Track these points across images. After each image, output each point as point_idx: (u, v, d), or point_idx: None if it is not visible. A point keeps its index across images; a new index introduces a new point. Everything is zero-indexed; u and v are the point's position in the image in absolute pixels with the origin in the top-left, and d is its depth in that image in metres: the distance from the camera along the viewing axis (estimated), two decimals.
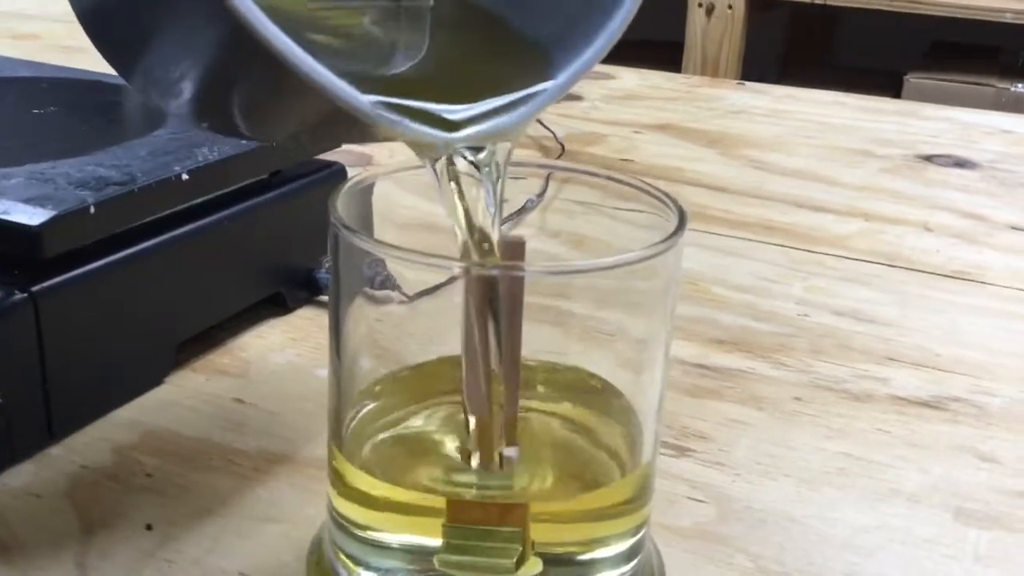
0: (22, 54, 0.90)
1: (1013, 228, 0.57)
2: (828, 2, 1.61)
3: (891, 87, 1.69)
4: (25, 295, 0.31)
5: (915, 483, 0.33)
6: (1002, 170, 0.67)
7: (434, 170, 0.22)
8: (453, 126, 0.20)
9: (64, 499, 0.31)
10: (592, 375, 0.27)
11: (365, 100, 0.20)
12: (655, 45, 1.91)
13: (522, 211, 0.30)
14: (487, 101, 0.21)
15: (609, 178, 0.28)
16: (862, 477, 0.34)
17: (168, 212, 0.36)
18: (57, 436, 0.33)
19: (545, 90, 0.22)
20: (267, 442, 0.34)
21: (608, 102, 0.81)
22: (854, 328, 0.44)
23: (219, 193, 0.39)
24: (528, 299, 0.24)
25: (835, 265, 0.51)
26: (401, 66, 0.24)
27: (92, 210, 0.33)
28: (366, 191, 0.27)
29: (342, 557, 0.27)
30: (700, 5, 1.66)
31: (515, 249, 0.24)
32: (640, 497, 0.26)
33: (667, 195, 0.26)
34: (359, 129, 0.22)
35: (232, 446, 0.33)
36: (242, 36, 0.19)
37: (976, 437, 0.36)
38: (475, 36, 0.25)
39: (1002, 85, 1.55)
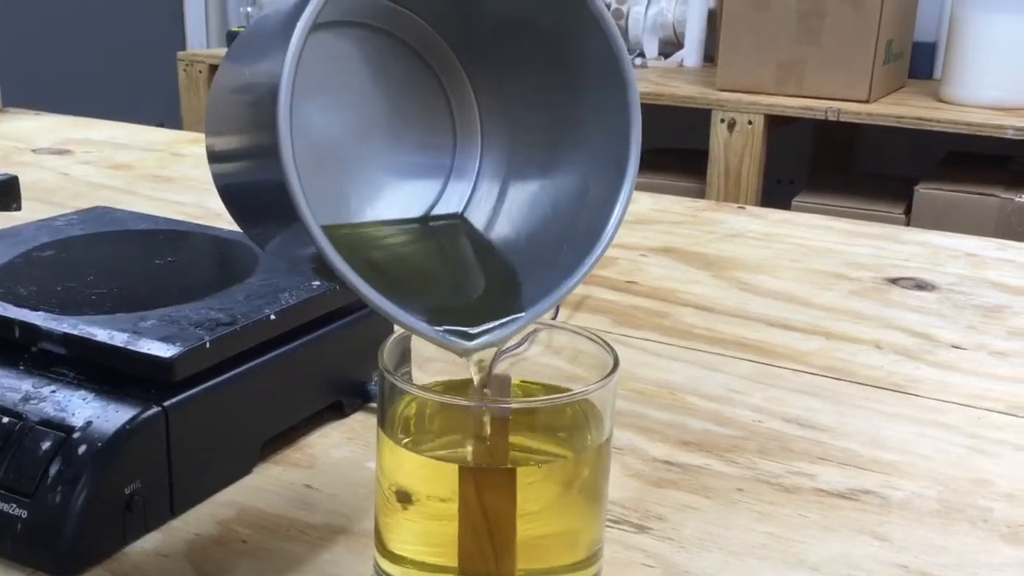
0: (121, 183, 1.05)
1: (953, 347, 0.67)
2: (842, 118, 1.73)
3: (906, 195, 1.80)
4: (159, 408, 0.43)
5: (818, 556, 0.44)
6: (958, 292, 0.78)
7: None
8: (471, 338, 0.33)
9: (183, 559, 0.42)
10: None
11: (430, 329, 0.33)
12: (685, 153, 2.05)
13: (519, 345, 0.42)
14: (488, 324, 0.34)
15: (575, 332, 0.39)
16: (778, 551, 0.44)
17: (260, 342, 0.49)
18: (177, 512, 0.45)
19: (518, 319, 0.34)
20: (330, 518, 0.45)
21: (622, 225, 0.93)
22: (797, 433, 0.55)
23: (297, 326, 0.51)
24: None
25: (792, 378, 0.62)
26: (440, 290, 0.37)
27: (208, 345, 0.45)
28: (406, 339, 0.39)
29: None
30: (722, 121, 1.80)
31: (503, 383, 0.36)
32: (588, 560, 0.37)
33: (610, 346, 0.37)
34: None
35: (304, 520, 0.45)
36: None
37: (875, 522, 0.46)
38: (480, 272, 0.38)
39: (1007, 196, 1.65)
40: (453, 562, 0.37)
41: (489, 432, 0.35)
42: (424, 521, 0.38)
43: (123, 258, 0.57)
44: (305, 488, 0.48)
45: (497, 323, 0.34)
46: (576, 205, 0.37)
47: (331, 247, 0.31)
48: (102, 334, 0.45)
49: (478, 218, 0.40)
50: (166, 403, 0.44)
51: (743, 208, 1.03)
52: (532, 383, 0.39)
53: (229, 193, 0.37)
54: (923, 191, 1.70)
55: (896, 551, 0.44)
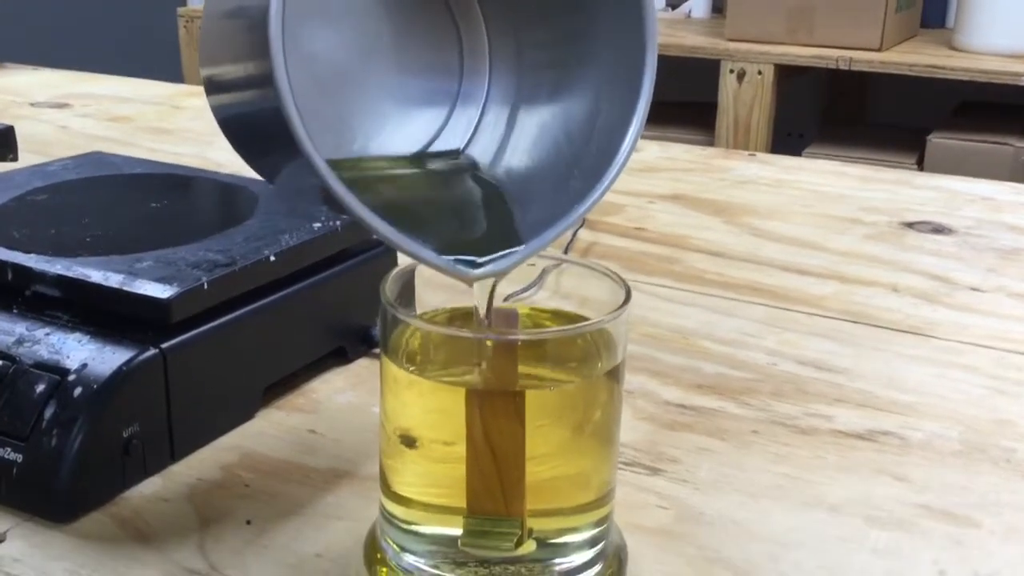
0: (119, 134, 1.03)
1: (973, 289, 0.66)
2: (854, 68, 1.70)
3: (918, 145, 1.77)
4: (157, 350, 0.42)
5: (837, 496, 0.42)
6: (976, 235, 0.76)
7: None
8: (478, 266, 0.32)
9: (185, 502, 0.41)
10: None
11: (437, 256, 0.31)
12: (693, 106, 2.02)
13: (528, 288, 0.40)
14: (491, 256, 0.33)
15: (585, 267, 0.38)
16: (795, 492, 0.43)
17: (259, 285, 0.47)
18: (177, 457, 0.44)
19: (516, 252, 0.33)
20: (335, 462, 0.44)
21: (629, 173, 0.91)
22: (812, 375, 0.53)
23: (298, 268, 0.49)
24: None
25: (806, 322, 0.60)
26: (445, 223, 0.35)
27: (205, 286, 0.44)
28: (409, 273, 0.37)
29: (391, 543, 0.37)
30: (732, 71, 1.77)
31: (510, 317, 0.35)
32: (599, 501, 0.36)
33: (621, 279, 0.36)
34: None
35: (308, 465, 0.44)
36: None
37: (895, 462, 0.45)
38: (488, 202, 0.37)
39: (1022, 144, 1.62)
40: (461, 503, 0.35)
41: (497, 359, 0.33)
42: (430, 463, 0.37)
43: (119, 202, 0.56)
44: (309, 433, 0.47)
45: (505, 251, 0.33)
46: (588, 128, 0.36)
47: (332, 175, 0.30)
48: (96, 275, 0.44)
49: (487, 145, 0.38)
50: (164, 345, 0.42)
51: (754, 155, 1.01)
52: (542, 311, 0.38)
53: (229, 125, 0.35)
54: (936, 141, 1.67)
55: (917, 491, 0.43)
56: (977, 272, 0.69)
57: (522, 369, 0.34)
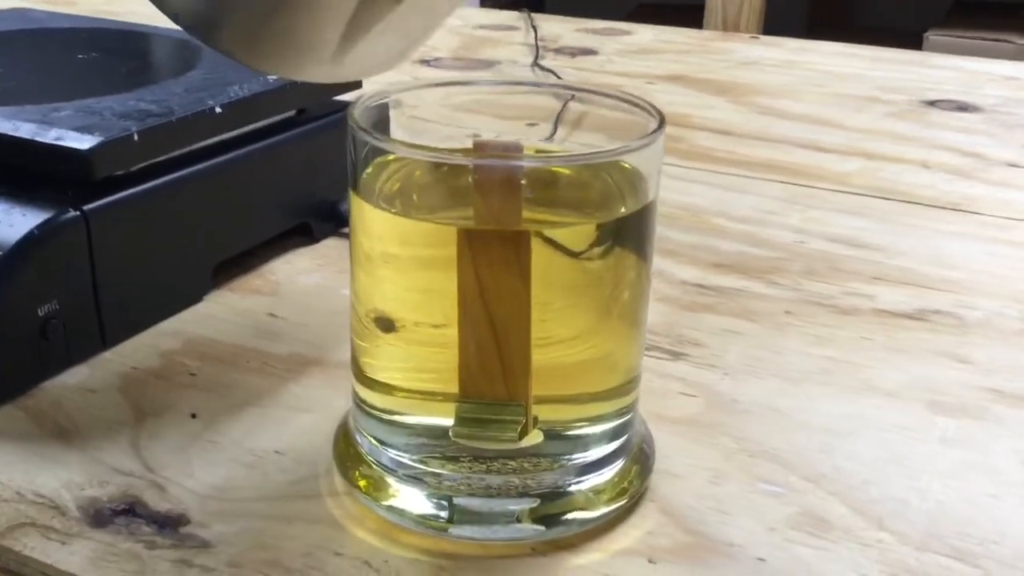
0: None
1: (1010, 165, 0.59)
2: None
3: (913, 46, 1.69)
4: (77, 213, 0.35)
5: (893, 381, 0.36)
6: (1004, 113, 0.69)
7: None
8: None
9: (117, 393, 0.34)
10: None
11: None
12: (677, 8, 1.93)
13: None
14: None
15: (612, 96, 0.30)
16: (843, 376, 0.36)
17: (204, 144, 0.40)
18: (109, 344, 0.37)
19: None
20: (299, 348, 0.37)
21: (623, 56, 0.84)
22: (846, 252, 0.47)
23: (250, 128, 0.42)
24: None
25: (833, 199, 0.53)
26: None
27: (135, 137, 0.36)
28: (383, 107, 0.30)
29: (367, 436, 0.30)
30: None
31: (510, 147, 0.27)
32: (625, 386, 0.29)
33: (653, 106, 0.29)
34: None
35: (267, 351, 0.37)
36: None
37: (954, 343, 0.39)
38: None
39: (1022, 41, 1.55)
40: (452, 387, 0.29)
41: (496, 195, 0.26)
42: (413, 346, 0.30)
43: (40, 55, 0.47)
44: (268, 317, 0.40)
45: None
46: None
47: None
48: (4, 125, 0.36)
49: None
50: (85, 207, 0.35)
51: (757, 38, 0.93)
52: (551, 150, 0.31)
53: None
54: (934, 38, 1.60)
55: (984, 374, 0.37)
56: (1011, 148, 0.62)
57: (528, 214, 0.27)
